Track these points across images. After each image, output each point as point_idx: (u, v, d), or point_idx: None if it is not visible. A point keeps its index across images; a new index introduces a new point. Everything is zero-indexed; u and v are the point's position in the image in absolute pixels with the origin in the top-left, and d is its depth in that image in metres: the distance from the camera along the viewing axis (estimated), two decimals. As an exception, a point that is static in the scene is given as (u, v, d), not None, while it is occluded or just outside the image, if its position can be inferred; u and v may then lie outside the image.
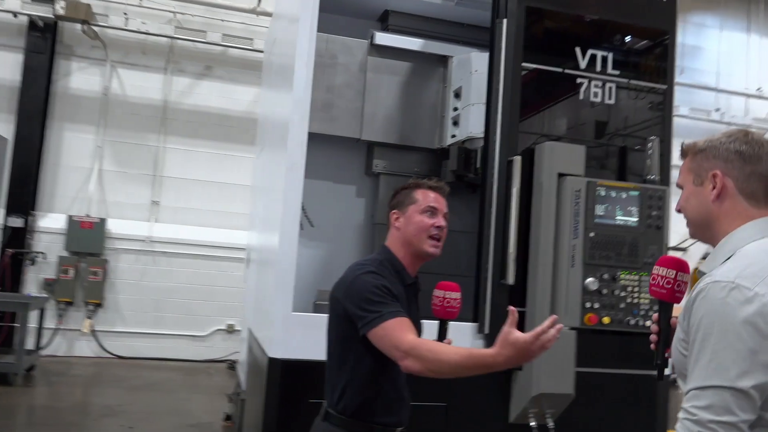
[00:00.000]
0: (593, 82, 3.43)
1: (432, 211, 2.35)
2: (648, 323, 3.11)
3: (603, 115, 3.56)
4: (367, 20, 4.50)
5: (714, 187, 1.65)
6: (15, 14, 8.96)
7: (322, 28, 4.31)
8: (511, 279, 3.16)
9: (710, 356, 1.44)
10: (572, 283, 3.10)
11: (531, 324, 3.14)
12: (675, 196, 3.46)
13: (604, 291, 3.11)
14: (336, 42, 4.22)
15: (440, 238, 2.36)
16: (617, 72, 3.46)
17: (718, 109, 11.53)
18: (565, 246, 3.11)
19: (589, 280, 3.11)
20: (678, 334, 1.63)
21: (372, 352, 2.15)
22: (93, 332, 8.93)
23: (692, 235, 1.79)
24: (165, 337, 9.18)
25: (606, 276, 3.12)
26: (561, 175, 3.16)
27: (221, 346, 9.23)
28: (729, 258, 1.59)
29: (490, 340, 3.24)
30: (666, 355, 1.79)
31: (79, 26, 8.98)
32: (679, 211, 1.80)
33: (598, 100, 3.44)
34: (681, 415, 1.48)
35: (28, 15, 8.92)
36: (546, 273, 3.12)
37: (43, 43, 9.05)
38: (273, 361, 3.01)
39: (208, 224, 9.44)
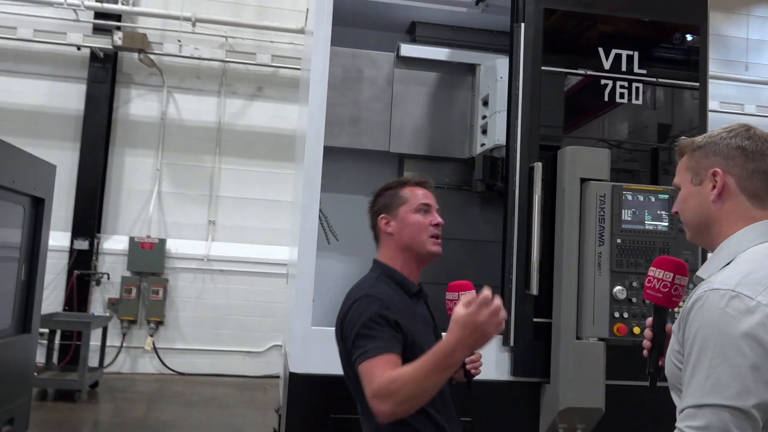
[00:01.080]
0: (618, 83, 3.31)
1: (426, 208, 2.22)
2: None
3: (634, 116, 3.42)
4: (396, 33, 4.51)
5: (714, 187, 1.54)
6: (78, 47, 9.43)
7: (349, 43, 4.38)
8: (534, 289, 3.06)
9: (707, 372, 1.32)
10: (599, 292, 2.97)
11: (557, 336, 3.04)
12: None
13: (634, 300, 2.98)
14: (361, 56, 4.24)
15: (440, 236, 2.21)
16: (644, 71, 3.32)
17: (787, 106, 10.93)
18: (590, 253, 2.99)
19: (617, 288, 2.98)
20: (672, 345, 1.53)
21: None
22: (155, 349, 9.20)
23: (690, 239, 1.67)
24: (223, 353, 9.38)
25: (636, 284, 2.98)
26: (584, 180, 3.06)
27: (277, 362, 9.34)
28: (729, 263, 1.48)
29: (515, 353, 3.16)
30: (660, 363, 1.68)
31: (136, 55, 9.36)
32: (675, 213, 1.69)
33: (624, 100, 3.31)
34: None
35: (90, 47, 9.36)
36: (571, 282, 3.01)
37: (104, 73, 9.48)
38: (293, 376, 3.01)
39: (263, 242, 9.61)
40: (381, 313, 1.98)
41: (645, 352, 1.73)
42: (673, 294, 1.66)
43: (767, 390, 1.29)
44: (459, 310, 1.76)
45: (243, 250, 9.62)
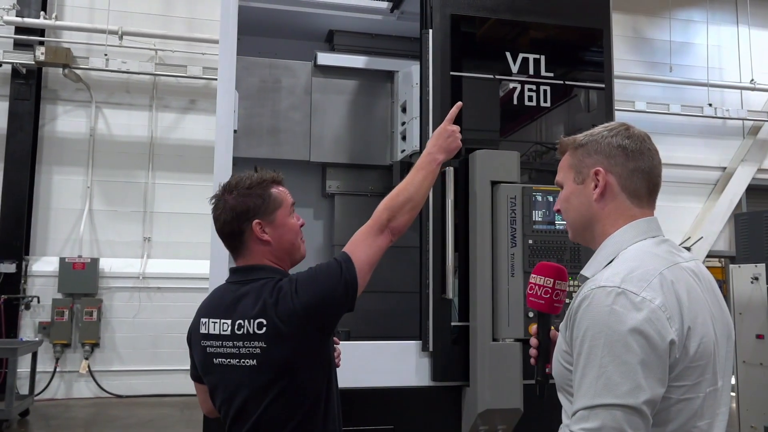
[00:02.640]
0: (527, 86, 3.36)
1: (293, 209, 2.05)
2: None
3: (546, 118, 3.48)
4: (314, 41, 4.50)
5: (596, 186, 1.55)
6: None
7: (267, 52, 4.34)
8: (450, 293, 3.07)
9: (598, 371, 1.32)
10: (513, 293, 3.00)
11: (474, 338, 3.05)
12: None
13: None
14: (279, 66, 4.21)
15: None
16: (551, 74, 3.39)
17: (711, 104, 11.35)
18: (503, 255, 3.02)
19: (531, 288, 3.01)
20: (560, 345, 1.52)
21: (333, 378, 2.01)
22: (90, 373, 8.91)
23: (572, 238, 1.69)
24: (162, 372, 9.14)
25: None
26: (494, 183, 3.09)
27: (220, 379, 9.17)
28: (612, 261, 1.49)
29: (435, 358, 3.16)
30: (547, 370, 1.66)
31: (61, 70, 9.08)
32: (558, 211, 1.70)
33: (533, 104, 3.36)
34: None
35: (11, 63, 9.04)
36: (485, 284, 3.03)
37: (27, 89, 9.17)
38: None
39: (201, 257, 9.42)
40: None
41: (532, 360, 1.72)
42: (554, 300, 1.66)
43: (657, 385, 1.31)
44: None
45: (180, 266, 9.42)
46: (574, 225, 1.65)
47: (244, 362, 1.87)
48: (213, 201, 2.05)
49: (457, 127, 2.33)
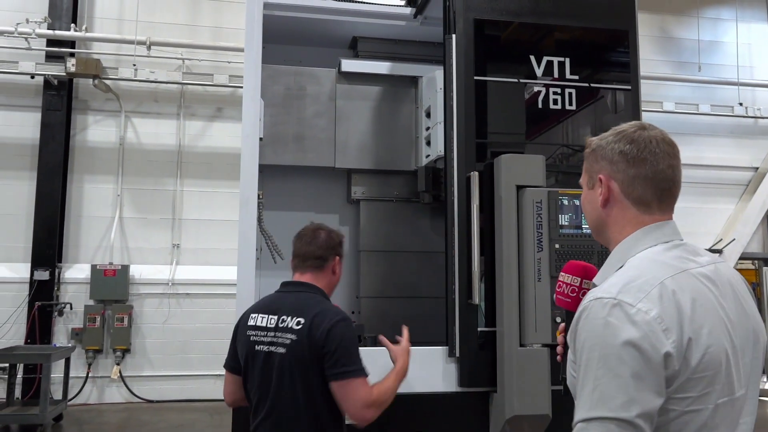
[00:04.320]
0: (551, 89, 3.34)
1: None
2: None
3: (572, 121, 3.45)
4: (339, 48, 4.52)
5: (602, 192, 1.53)
6: (32, 76, 9.30)
7: (292, 60, 4.38)
8: (476, 299, 3.06)
9: (593, 384, 1.32)
10: (540, 298, 2.98)
11: (501, 344, 3.03)
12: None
13: (574, 304, 2.98)
14: (303, 73, 4.24)
15: None
16: (576, 77, 3.36)
17: (741, 104, 11.14)
18: (529, 260, 3.00)
19: (558, 293, 2.98)
20: (570, 355, 1.50)
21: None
22: (122, 378, 9.04)
23: (595, 238, 1.67)
24: (192, 378, 9.23)
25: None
26: (520, 187, 3.07)
27: (248, 384, 9.22)
28: (620, 269, 1.47)
29: (461, 364, 3.15)
30: None
31: (91, 81, 9.26)
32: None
33: (558, 107, 3.34)
34: None
35: (43, 75, 9.23)
36: (512, 289, 3.01)
37: (58, 100, 9.35)
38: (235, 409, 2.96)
39: (229, 263, 9.46)
40: (355, 337, 2.41)
41: (558, 358, 1.71)
42: (581, 299, 1.60)
43: (652, 398, 1.29)
44: (405, 344, 2.66)
45: (208, 272, 9.51)
46: (591, 228, 1.65)
47: (277, 350, 2.32)
48: (305, 229, 2.61)
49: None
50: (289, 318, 2.34)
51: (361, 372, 2.29)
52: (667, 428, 1.33)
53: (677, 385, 1.32)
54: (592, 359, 1.33)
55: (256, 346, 2.37)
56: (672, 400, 1.32)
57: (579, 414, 1.34)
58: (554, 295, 1.76)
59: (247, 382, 2.42)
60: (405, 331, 2.68)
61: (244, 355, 2.41)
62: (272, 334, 2.35)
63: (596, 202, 1.56)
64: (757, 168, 11.50)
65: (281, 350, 2.31)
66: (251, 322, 2.42)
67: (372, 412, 2.29)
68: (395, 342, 2.65)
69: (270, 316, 2.39)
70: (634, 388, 1.28)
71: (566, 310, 1.70)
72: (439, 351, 3.17)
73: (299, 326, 2.30)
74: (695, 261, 1.46)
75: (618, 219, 1.52)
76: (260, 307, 2.47)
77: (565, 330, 1.68)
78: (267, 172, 4.11)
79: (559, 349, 1.72)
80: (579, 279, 1.65)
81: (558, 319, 2.98)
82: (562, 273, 1.70)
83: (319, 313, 2.32)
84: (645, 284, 1.36)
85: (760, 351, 1.47)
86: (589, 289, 1.61)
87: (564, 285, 1.68)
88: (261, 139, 3.40)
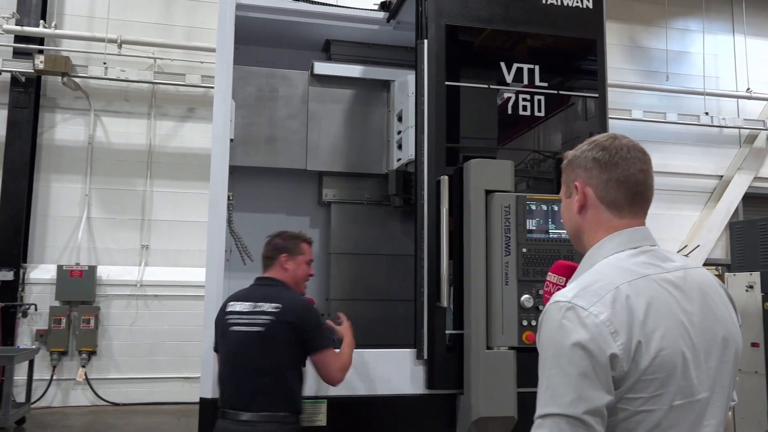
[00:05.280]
0: (521, 96, 3.39)
1: (310, 263, 3.11)
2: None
3: (543, 127, 3.51)
4: (312, 51, 4.53)
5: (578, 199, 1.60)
6: (-2, 72, 9.13)
7: (265, 62, 4.37)
8: (445, 301, 3.09)
9: (547, 382, 1.38)
10: (507, 302, 3.02)
11: (468, 347, 3.06)
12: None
13: (541, 307, 3.01)
14: (276, 75, 4.24)
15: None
16: (545, 84, 3.42)
17: (707, 113, 11.39)
18: (497, 264, 3.04)
19: (525, 297, 3.03)
20: None
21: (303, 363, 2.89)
22: (87, 381, 8.89)
23: (576, 248, 1.72)
24: (160, 380, 9.11)
25: (542, 292, 3.03)
26: (489, 192, 3.11)
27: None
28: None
29: (429, 366, 3.17)
30: None
31: (60, 79, 9.11)
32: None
33: (527, 113, 3.39)
34: None
35: (10, 72, 9.07)
36: (479, 293, 3.05)
37: (26, 97, 9.19)
38: (204, 402, 2.95)
39: (199, 264, 9.38)
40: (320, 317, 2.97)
41: None
42: None
43: (599, 395, 1.34)
44: (346, 322, 3.18)
45: (178, 273, 9.41)
46: (570, 236, 1.70)
47: (252, 328, 2.81)
48: (267, 238, 3.16)
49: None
50: (265, 304, 2.84)
51: (330, 344, 2.88)
52: (620, 427, 1.37)
53: (627, 385, 1.36)
54: (546, 359, 1.40)
55: (231, 327, 2.86)
56: (624, 400, 1.36)
57: (537, 411, 1.40)
58: (542, 294, 1.87)
59: (222, 351, 2.93)
60: (342, 315, 3.23)
61: (220, 334, 2.93)
62: (248, 317, 2.84)
63: (573, 209, 1.62)
64: (722, 176, 11.76)
65: (258, 329, 2.80)
66: (229, 309, 2.92)
67: (343, 374, 2.88)
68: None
69: (246, 303, 2.88)
70: (582, 387, 1.33)
71: None
72: (407, 353, 3.20)
73: (276, 309, 2.81)
74: (661, 266, 1.50)
75: (592, 223, 1.58)
76: (238, 297, 2.96)
77: None
78: (238, 173, 4.10)
79: None
80: (564, 279, 1.72)
81: (524, 322, 3.02)
82: (549, 273, 1.78)
83: (290, 301, 2.88)
84: (600, 289, 1.42)
85: (729, 355, 1.51)
86: None
87: (551, 284, 1.76)
88: (232, 140, 3.39)
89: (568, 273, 1.71)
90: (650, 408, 1.37)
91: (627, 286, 1.42)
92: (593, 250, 1.56)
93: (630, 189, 1.55)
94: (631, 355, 1.36)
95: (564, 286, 1.68)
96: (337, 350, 2.95)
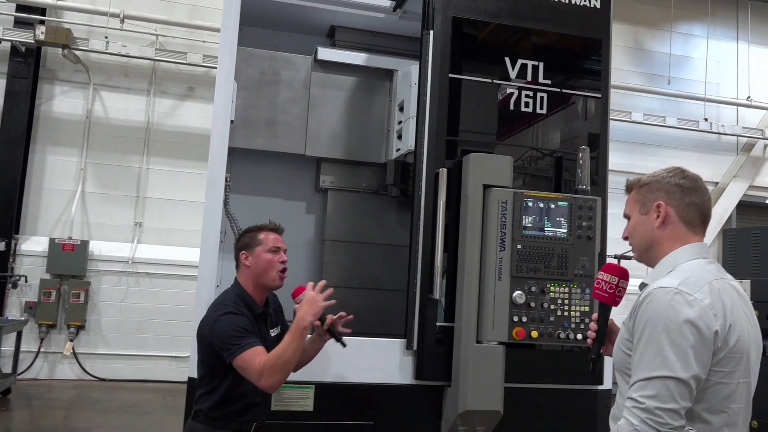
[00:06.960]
0: (524, 92, 3.39)
1: (276, 249, 2.77)
2: (579, 336, 3.05)
3: (543, 124, 3.50)
4: (316, 36, 4.50)
5: (658, 216, 1.92)
6: (-1, 41, 9.06)
7: (268, 45, 4.34)
8: (437, 293, 3.10)
9: (656, 350, 1.68)
10: (499, 297, 3.02)
11: (458, 340, 3.08)
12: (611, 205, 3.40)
13: (533, 304, 3.04)
14: (278, 58, 4.22)
15: (285, 270, 2.79)
16: (548, 81, 3.41)
17: (706, 119, 11.41)
18: (491, 258, 3.04)
19: (517, 293, 3.03)
20: (622, 334, 1.88)
21: (232, 370, 2.56)
22: (74, 355, 8.89)
23: (638, 259, 2.11)
24: (147, 358, 9.13)
25: (534, 289, 3.05)
26: (487, 187, 3.11)
27: (204, 367, 9.15)
28: (670, 272, 1.83)
29: (418, 357, 3.18)
30: (601, 351, 2.08)
31: (60, 51, 9.04)
32: (625, 238, 2.06)
33: (529, 110, 3.39)
34: (629, 404, 1.69)
35: (10, 41, 8.99)
36: (472, 286, 3.05)
37: (25, 68, 9.13)
38: (192, 382, 2.95)
39: (192, 244, 9.38)
40: (242, 326, 2.58)
41: (589, 341, 2.11)
42: (616, 295, 2.02)
43: (700, 368, 1.67)
44: (308, 293, 2.62)
45: (170, 252, 9.40)
46: (639, 248, 2.00)
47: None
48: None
49: (321, 295, 2.62)
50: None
51: (239, 349, 2.49)
52: (701, 394, 1.70)
53: (717, 359, 1.70)
54: (655, 332, 1.69)
55: None
56: (711, 371, 1.70)
57: (640, 374, 1.69)
58: (592, 290, 2.24)
59: None
60: (311, 284, 2.66)
61: None
62: None
63: (650, 224, 1.94)
64: (717, 183, 11.80)
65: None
66: None
67: (264, 380, 2.45)
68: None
69: None
70: (690, 356, 1.66)
71: (601, 302, 2.06)
72: (396, 343, 3.20)
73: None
74: (726, 275, 1.89)
75: (670, 236, 1.92)
76: None
77: (598, 318, 2.10)
78: (236, 155, 4.08)
79: (590, 333, 2.10)
80: (617, 278, 2.01)
81: (515, 318, 3.03)
82: (601, 272, 2.04)
83: (208, 310, 2.73)
84: (698, 281, 1.76)
85: (759, 355, 1.87)
86: (624, 288, 2.04)
87: (603, 282, 2.02)
88: (232, 121, 3.38)
89: (619, 273, 2.01)
90: (727, 381, 1.72)
91: (716, 282, 1.78)
92: (672, 255, 1.89)
93: (702, 212, 1.93)
94: (725, 334, 1.71)
95: (617, 285, 2.01)
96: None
